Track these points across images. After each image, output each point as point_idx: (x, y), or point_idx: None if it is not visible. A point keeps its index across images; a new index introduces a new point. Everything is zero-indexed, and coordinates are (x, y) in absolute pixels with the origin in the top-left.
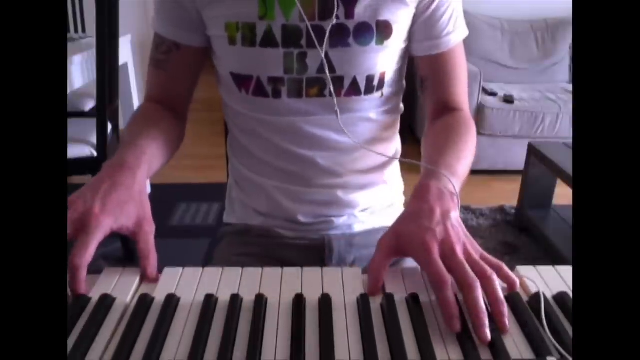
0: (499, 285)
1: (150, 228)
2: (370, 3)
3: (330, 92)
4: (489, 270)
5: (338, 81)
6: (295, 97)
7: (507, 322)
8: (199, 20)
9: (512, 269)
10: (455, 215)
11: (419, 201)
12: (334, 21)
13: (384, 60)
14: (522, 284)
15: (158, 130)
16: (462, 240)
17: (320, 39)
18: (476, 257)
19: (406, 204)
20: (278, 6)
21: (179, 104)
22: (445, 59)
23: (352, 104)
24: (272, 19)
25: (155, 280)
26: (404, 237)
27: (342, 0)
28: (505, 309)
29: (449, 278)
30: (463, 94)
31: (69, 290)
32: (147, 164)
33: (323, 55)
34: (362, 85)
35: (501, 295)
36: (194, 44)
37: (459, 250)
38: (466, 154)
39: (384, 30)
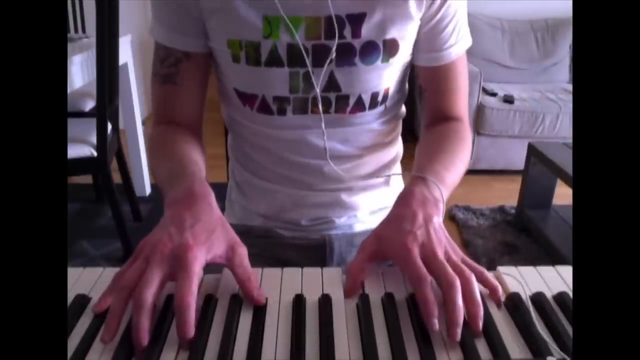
0: (477, 287)
1: (243, 250)
2: (377, 21)
3: (335, 109)
4: (468, 271)
5: (343, 99)
6: (300, 114)
7: (480, 324)
8: (204, 25)
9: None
10: (437, 220)
11: (402, 206)
12: (337, 41)
13: (389, 76)
14: (501, 282)
15: (194, 152)
16: (444, 243)
17: (326, 58)
18: (457, 259)
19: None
20: (283, 25)
21: (194, 120)
22: (446, 71)
23: (356, 119)
24: (277, 38)
25: (262, 303)
26: (386, 241)
27: (349, 19)
28: (481, 311)
29: (428, 276)
30: (462, 104)
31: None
32: (210, 188)
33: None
34: (367, 102)
35: (478, 297)
36: (204, 49)
37: (439, 252)
38: (456, 164)
39: (391, 49)
